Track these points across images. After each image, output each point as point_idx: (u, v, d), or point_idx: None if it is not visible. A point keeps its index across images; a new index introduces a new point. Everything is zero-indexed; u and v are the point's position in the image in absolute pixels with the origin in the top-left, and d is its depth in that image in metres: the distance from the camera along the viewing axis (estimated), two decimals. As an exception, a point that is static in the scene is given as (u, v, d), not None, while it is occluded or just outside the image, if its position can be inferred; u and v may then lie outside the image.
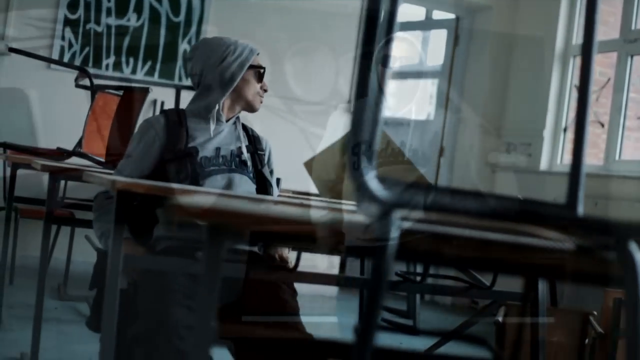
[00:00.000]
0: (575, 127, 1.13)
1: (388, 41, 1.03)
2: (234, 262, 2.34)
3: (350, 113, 1.02)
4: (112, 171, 2.63)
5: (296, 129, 5.38)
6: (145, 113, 4.98)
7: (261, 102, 2.64)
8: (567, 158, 5.91)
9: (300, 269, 2.39)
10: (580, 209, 1.09)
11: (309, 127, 5.42)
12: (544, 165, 6.00)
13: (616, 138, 5.39)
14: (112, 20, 5.62)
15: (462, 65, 6.63)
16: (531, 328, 2.14)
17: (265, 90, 2.65)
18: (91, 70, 4.37)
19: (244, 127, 2.69)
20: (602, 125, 5.54)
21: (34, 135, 5.19)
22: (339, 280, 3.88)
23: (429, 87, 7.01)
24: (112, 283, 2.02)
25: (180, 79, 5.74)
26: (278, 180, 2.79)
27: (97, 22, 5.58)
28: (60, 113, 5.35)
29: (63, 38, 5.50)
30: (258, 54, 2.62)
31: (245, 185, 2.53)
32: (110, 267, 2.04)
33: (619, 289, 2.82)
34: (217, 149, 2.53)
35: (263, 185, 2.59)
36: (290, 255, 2.57)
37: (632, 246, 1.02)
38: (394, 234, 0.98)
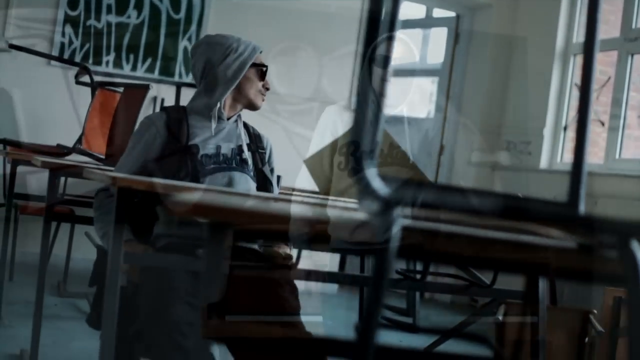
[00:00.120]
0: (577, 126, 1.13)
1: (388, 40, 1.03)
2: (234, 260, 2.34)
3: (349, 110, 1.02)
4: (112, 168, 2.63)
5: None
6: (146, 110, 4.98)
7: (263, 101, 2.63)
8: (567, 156, 5.91)
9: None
10: (582, 208, 1.09)
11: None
12: (544, 163, 6.00)
13: (616, 137, 5.39)
14: (113, 17, 5.61)
15: (463, 64, 6.62)
16: (531, 326, 2.14)
17: (268, 89, 2.63)
18: (91, 67, 4.36)
19: (245, 125, 2.68)
20: (603, 124, 5.54)
21: (34, 132, 5.19)
22: (339, 278, 3.88)
23: (429, 85, 7.00)
24: (112, 280, 2.02)
25: (180, 76, 5.74)
26: (278, 178, 2.79)
27: (98, 19, 5.57)
28: (60, 110, 5.35)
29: (63, 35, 5.49)
30: (261, 52, 2.61)
31: (245, 183, 2.52)
32: (110, 265, 2.03)
33: (620, 288, 2.82)
34: (218, 147, 2.52)
35: (263, 183, 2.59)
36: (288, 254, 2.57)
37: (634, 245, 1.02)
38: (396, 231, 0.98)
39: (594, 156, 5.54)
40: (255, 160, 2.60)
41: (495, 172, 6.40)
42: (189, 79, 5.62)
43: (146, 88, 3.82)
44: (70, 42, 5.50)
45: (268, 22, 5.87)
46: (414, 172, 3.28)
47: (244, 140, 2.61)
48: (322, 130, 3.73)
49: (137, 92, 3.80)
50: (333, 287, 5.94)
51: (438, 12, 6.90)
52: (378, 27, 1.00)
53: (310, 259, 2.68)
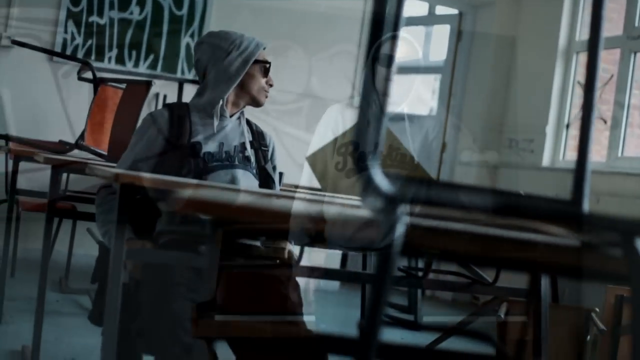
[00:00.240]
0: (580, 124, 1.13)
1: (392, 39, 1.03)
2: (236, 257, 2.34)
3: (353, 108, 1.02)
4: (114, 164, 2.63)
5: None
6: (148, 107, 4.98)
7: (266, 97, 2.62)
8: (570, 154, 5.90)
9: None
10: (586, 206, 1.09)
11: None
12: (546, 161, 6.00)
13: (619, 135, 5.38)
14: (115, 14, 5.61)
15: (465, 61, 6.62)
16: (533, 324, 2.14)
17: (271, 85, 2.62)
18: (94, 63, 4.36)
19: (248, 123, 2.67)
20: (605, 122, 5.53)
21: (36, 127, 5.19)
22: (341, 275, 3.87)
23: (432, 83, 7.00)
24: (114, 277, 2.02)
25: (182, 72, 5.73)
26: (281, 175, 2.79)
27: (100, 15, 5.57)
28: (62, 106, 5.35)
29: (66, 31, 5.49)
30: (264, 49, 2.60)
31: (248, 181, 2.52)
32: (112, 261, 2.03)
33: (623, 286, 2.81)
34: (221, 145, 2.52)
35: (266, 181, 2.58)
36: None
37: (638, 243, 1.02)
38: (400, 228, 0.98)
39: (596, 154, 5.53)
40: (258, 158, 2.60)
41: (497, 170, 6.39)
42: (192, 75, 5.61)
43: (148, 84, 3.81)
44: (73, 38, 5.50)
45: (271, 18, 5.87)
46: (416, 171, 3.27)
47: (247, 137, 2.60)
48: (324, 128, 3.73)
49: (139, 89, 3.80)
50: (334, 284, 5.94)
51: (440, 10, 6.90)
52: (382, 26, 1.00)
53: (308, 259, 2.68)
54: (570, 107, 5.98)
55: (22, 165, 3.77)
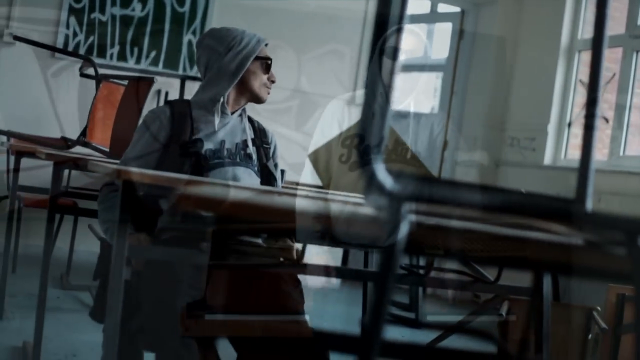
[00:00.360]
0: (584, 122, 1.13)
1: (398, 32, 1.02)
2: (237, 255, 2.34)
3: (357, 105, 1.01)
4: (116, 161, 2.63)
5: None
6: (150, 103, 4.97)
7: (268, 94, 2.61)
8: (571, 153, 5.89)
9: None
10: (590, 204, 1.09)
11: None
12: (547, 160, 5.99)
13: (621, 133, 5.38)
14: (117, 10, 5.61)
15: (467, 59, 6.61)
16: (535, 323, 2.13)
17: (273, 82, 2.61)
18: (95, 60, 4.36)
19: (250, 120, 2.66)
20: (607, 121, 5.53)
21: (38, 124, 5.19)
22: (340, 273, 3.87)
23: (434, 81, 6.99)
24: (116, 274, 2.02)
25: (184, 69, 5.73)
26: (282, 172, 2.78)
27: (102, 12, 5.57)
28: (64, 102, 5.35)
29: (68, 27, 5.49)
30: (266, 45, 2.59)
31: (249, 178, 2.51)
32: (114, 258, 2.03)
33: (626, 285, 2.81)
34: (222, 142, 2.51)
35: (268, 178, 2.58)
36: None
37: (642, 242, 1.02)
38: (404, 227, 0.98)
39: (598, 153, 5.52)
40: (260, 155, 2.59)
41: (498, 168, 6.39)
42: (194, 72, 5.61)
43: (150, 81, 3.81)
44: (75, 35, 5.50)
45: (273, 15, 5.86)
46: (419, 169, 3.27)
47: (249, 134, 2.59)
48: (324, 124, 3.72)
49: (141, 85, 3.80)
50: (336, 282, 5.94)
51: (443, 8, 6.89)
52: (388, 19, 1.00)
53: (309, 258, 2.67)
54: (572, 106, 5.97)
55: (24, 161, 3.77)
